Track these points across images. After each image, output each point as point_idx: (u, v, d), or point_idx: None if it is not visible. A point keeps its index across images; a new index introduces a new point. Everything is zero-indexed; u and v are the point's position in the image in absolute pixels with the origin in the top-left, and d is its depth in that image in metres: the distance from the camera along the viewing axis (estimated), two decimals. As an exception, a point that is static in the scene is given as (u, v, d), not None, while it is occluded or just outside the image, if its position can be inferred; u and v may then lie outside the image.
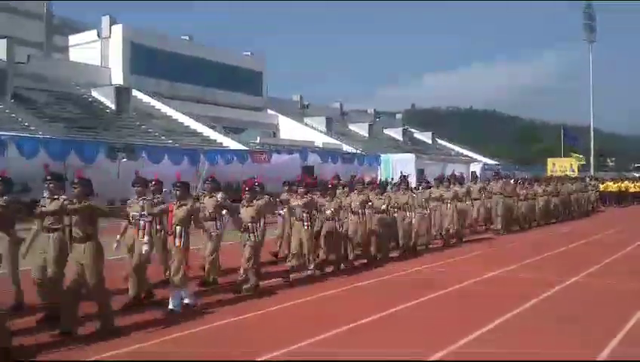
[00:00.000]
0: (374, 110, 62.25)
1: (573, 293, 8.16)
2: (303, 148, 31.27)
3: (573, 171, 36.77)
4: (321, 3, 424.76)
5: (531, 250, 12.60)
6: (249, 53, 46.48)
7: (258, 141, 33.74)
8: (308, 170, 26.63)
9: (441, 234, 13.47)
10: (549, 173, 33.90)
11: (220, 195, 8.53)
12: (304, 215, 8.91)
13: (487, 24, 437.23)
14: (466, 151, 53.63)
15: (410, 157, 34.14)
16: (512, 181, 18.37)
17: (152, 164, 20.92)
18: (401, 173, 14.60)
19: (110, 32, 37.00)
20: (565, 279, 8.89)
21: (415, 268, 10.13)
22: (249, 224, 7.85)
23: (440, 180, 14.25)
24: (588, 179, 27.67)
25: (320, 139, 40.37)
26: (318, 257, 9.42)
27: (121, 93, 32.46)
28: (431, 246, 12.66)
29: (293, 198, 9.36)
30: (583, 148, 49.79)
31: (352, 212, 10.22)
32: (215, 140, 31.93)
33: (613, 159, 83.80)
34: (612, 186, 30.33)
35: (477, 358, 5.30)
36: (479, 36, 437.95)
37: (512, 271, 9.92)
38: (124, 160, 20.74)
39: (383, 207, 10.73)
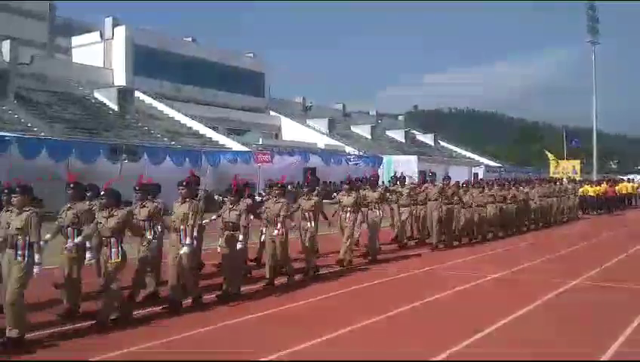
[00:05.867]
0: (376, 112, 62.39)
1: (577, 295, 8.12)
2: (305, 150, 31.28)
3: (576, 173, 36.62)
4: (322, 4, 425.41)
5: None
6: (251, 55, 46.54)
7: (260, 142, 33.75)
8: (310, 172, 26.62)
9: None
10: (551, 175, 33.76)
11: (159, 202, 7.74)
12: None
13: (488, 25, 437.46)
14: (468, 153, 53.59)
15: (413, 159, 34.24)
16: (455, 184, 14.46)
17: (153, 165, 20.90)
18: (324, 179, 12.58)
19: (113, 34, 37.11)
20: (569, 281, 8.85)
21: (415, 269, 10.09)
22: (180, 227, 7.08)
23: (346, 182, 10.97)
24: (566, 182, 23.22)
25: (322, 140, 40.36)
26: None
27: (124, 95, 32.50)
28: (320, 272, 9.54)
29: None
30: (586, 150, 49.64)
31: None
32: (217, 142, 31.94)
33: (616, 161, 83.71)
34: (590, 190, 25.63)
35: (480, 358, 5.27)
36: (480, 37, 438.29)
37: (513, 273, 9.88)
38: (126, 161, 20.73)
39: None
